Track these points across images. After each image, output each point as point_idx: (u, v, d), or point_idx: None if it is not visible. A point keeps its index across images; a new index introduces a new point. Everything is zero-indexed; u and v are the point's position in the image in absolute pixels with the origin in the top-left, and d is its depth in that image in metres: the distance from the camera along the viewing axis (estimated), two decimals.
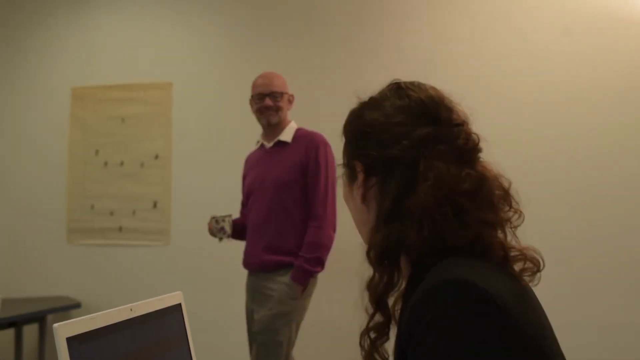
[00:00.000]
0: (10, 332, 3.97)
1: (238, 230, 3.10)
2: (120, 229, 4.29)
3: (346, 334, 3.77)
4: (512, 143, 3.57)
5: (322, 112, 3.95)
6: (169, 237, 4.18)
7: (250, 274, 3.05)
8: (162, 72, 4.30)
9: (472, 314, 0.81)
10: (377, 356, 0.99)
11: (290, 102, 3.10)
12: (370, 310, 0.99)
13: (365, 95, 1.09)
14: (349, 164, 1.08)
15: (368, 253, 1.00)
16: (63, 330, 0.92)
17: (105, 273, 4.28)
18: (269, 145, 3.06)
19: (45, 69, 4.53)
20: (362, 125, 1.04)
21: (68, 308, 3.98)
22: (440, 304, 0.83)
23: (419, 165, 0.96)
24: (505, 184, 1.00)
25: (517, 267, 0.96)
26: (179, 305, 1.25)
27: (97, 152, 4.37)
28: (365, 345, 1.00)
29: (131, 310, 1.09)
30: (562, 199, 3.57)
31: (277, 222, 2.93)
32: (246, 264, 3.06)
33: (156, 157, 4.26)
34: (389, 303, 0.98)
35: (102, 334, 1.00)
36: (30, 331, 4.01)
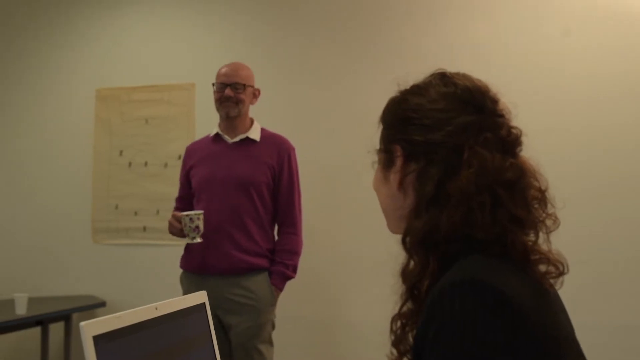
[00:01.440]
0: (36, 330, 4.02)
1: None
2: (144, 228, 4.32)
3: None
4: (539, 143, 3.53)
5: (341, 112, 3.95)
6: None
7: (206, 278, 2.83)
8: (185, 73, 4.33)
9: (486, 314, 0.81)
10: (405, 343, 0.98)
11: (255, 96, 2.98)
12: (403, 297, 0.98)
13: (405, 84, 1.08)
14: (386, 149, 1.05)
15: (404, 239, 0.99)
16: (90, 328, 0.93)
17: (130, 272, 4.32)
18: (232, 140, 2.92)
19: (69, 70, 4.58)
20: (405, 110, 1.03)
21: (93, 307, 4.03)
22: (455, 304, 0.83)
23: (463, 152, 0.95)
24: (543, 185, 0.99)
25: (541, 269, 0.94)
26: (203, 304, 1.26)
27: (121, 152, 4.41)
28: (397, 331, 0.99)
29: (156, 309, 1.10)
30: (568, 199, 3.51)
31: (247, 222, 2.83)
32: (206, 266, 2.84)
33: (179, 157, 4.27)
34: (422, 291, 0.96)
35: (127, 333, 1.01)
36: (56, 329, 4.06)
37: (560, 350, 0.86)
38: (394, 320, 0.99)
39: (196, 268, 2.89)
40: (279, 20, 4.19)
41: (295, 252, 2.90)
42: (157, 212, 4.29)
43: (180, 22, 4.40)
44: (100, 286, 4.33)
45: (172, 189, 4.30)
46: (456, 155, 0.96)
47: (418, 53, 3.81)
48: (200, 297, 1.25)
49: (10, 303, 3.59)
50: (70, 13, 4.60)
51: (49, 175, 4.54)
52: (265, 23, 4.21)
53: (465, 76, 1.04)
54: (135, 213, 4.35)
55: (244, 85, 2.89)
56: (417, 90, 1.05)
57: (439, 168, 0.97)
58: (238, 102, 2.87)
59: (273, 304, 2.85)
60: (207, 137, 3.04)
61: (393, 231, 1.07)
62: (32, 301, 3.61)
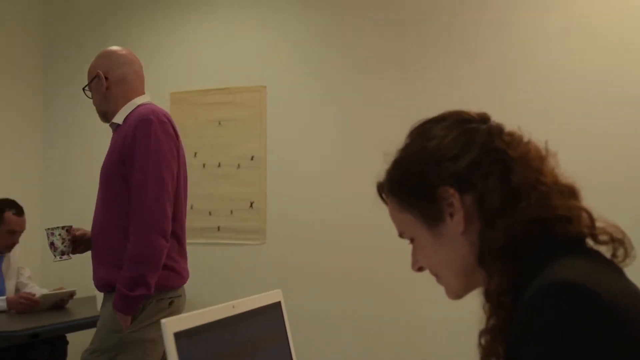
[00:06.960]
0: None
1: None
2: (218, 228, 4.41)
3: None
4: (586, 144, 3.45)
5: (414, 113, 3.91)
6: (265, 236, 4.26)
7: None
8: (256, 76, 4.38)
9: (583, 318, 0.79)
10: (497, 355, 0.95)
11: (103, 84, 2.46)
12: (488, 312, 0.95)
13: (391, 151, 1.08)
14: (427, 200, 1.00)
15: (483, 258, 0.96)
16: (171, 325, 0.96)
17: (204, 271, 4.40)
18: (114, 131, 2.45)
19: (147, 75, 4.72)
20: (428, 153, 1.01)
21: None
22: (549, 309, 0.81)
23: (502, 151, 0.97)
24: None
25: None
26: (279, 303, 1.28)
27: (195, 154, 4.51)
28: (486, 345, 0.96)
29: (233, 307, 1.12)
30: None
31: (104, 227, 2.31)
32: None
33: (252, 158, 4.35)
34: (508, 303, 0.92)
35: (206, 330, 1.03)
36: None
37: None
38: (481, 334, 0.96)
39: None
40: (351, 21, 4.17)
41: (136, 260, 2.16)
42: (231, 212, 4.37)
43: (252, 25, 4.45)
44: None
45: (246, 189, 4.39)
46: (500, 158, 0.97)
47: (495, 52, 3.75)
48: (275, 296, 1.27)
49: (93, 300, 3.73)
50: (145, 18, 4.74)
51: None
52: (337, 24, 4.21)
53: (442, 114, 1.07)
54: (210, 213, 4.44)
55: (88, 82, 2.51)
56: (421, 135, 1.05)
57: (494, 177, 0.96)
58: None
59: (115, 329, 2.16)
60: None
61: (465, 291, 1.04)
62: None
